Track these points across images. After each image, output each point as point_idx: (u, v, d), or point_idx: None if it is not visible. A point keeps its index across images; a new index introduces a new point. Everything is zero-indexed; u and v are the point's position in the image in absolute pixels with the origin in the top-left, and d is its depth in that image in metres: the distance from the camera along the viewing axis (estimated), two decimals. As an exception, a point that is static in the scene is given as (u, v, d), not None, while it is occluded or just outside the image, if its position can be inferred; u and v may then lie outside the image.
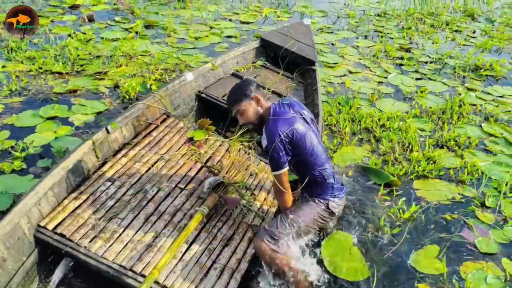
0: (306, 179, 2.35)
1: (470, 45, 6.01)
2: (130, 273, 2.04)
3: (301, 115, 2.34)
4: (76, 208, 2.29)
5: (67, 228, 2.16)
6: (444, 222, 2.82)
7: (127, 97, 4.00)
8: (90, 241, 2.13)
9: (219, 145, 3.02)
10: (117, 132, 2.75)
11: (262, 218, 2.54)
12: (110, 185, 2.46)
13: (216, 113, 3.50)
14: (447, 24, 6.69)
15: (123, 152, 2.71)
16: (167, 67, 4.70)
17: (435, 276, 2.44)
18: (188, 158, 2.81)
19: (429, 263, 2.52)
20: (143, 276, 2.03)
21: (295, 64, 4.41)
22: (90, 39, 5.17)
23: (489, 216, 2.86)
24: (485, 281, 2.43)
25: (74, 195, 2.35)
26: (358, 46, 5.75)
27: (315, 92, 3.86)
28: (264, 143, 2.23)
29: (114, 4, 6.57)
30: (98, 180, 2.47)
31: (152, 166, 2.66)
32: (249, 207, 2.57)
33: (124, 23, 5.89)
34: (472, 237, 2.71)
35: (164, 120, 3.09)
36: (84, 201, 2.33)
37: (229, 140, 3.09)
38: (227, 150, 3.00)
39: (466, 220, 2.82)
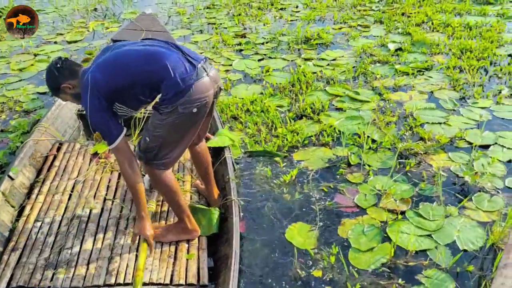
0: None
1: (296, 20, 6.42)
2: (106, 288, 2.07)
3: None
4: (19, 258, 2.25)
5: (21, 279, 2.13)
6: (322, 193, 2.95)
7: None
8: (52, 279, 2.13)
9: None
10: (20, 175, 2.71)
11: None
12: (41, 224, 2.44)
13: None
14: (272, 5, 7.06)
15: (35, 191, 2.69)
16: (-8, 108, 4.15)
17: (313, 248, 2.52)
18: (103, 172, 2.85)
19: (305, 238, 2.59)
20: (120, 285, 2.10)
21: None
22: None
23: (357, 176, 3.06)
24: (363, 233, 2.60)
25: (10, 247, 2.29)
26: (196, 42, 5.75)
27: None
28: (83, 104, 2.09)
29: None
30: (26, 226, 2.43)
31: (72, 192, 2.67)
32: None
33: None
34: (345, 200, 2.87)
35: (59, 148, 3.09)
36: (23, 249, 2.30)
37: (131, 139, 3.11)
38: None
39: (338, 186, 2.98)
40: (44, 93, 4.48)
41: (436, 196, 2.83)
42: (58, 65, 2.11)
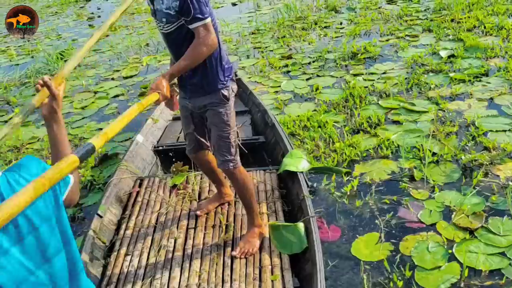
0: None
1: (341, 36, 6.41)
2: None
3: None
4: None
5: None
6: (384, 207, 2.91)
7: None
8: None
9: (201, 178, 3.22)
10: (108, 213, 2.84)
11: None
12: (131, 257, 2.55)
13: (178, 155, 3.51)
14: (316, 23, 7.11)
15: (123, 227, 2.81)
16: (60, 146, 4.41)
17: (379, 262, 2.48)
18: (183, 202, 2.98)
19: (370, 251, 2.57)
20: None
21: None
22: (-33, 144, 4.72)
23: (422, 192, 2.99)
24: (427, 251, 2.52)
25: (104, 282, 2.39)
26: (244, 67, 5.87)
27: (251, 95, 4.20)
28: None
29: (-15, 99, 6.11)
30: (117, 260, 2.53)
31: (156, 224, 2.79)
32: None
33: (2, 115, 5.49)
34: (409, 214, 2.81)
35: (141, 184, 3.23)
36: (117, 283, 2.39)
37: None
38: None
39: (402, 200, 2.93)
40: (106, 128, 4.71)
41: (508, 209, 2.70)
42: None
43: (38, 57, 7.63)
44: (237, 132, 3.75)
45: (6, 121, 5.26)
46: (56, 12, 11.70)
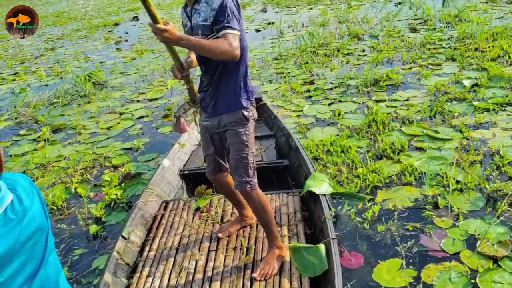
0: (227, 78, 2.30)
1: (364, 63, 6.46)
2: None
3: None
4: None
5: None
6: (406, 233, 2.88)
7: (55, 208, 3.77)
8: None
9: (224, 201, 3.25)
10: (132, 235, 2.89)
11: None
12: (153, 279, 2.58)
13: (204, 179, 3.52)
14: (338, 50, 7.18)
15: (147, 248, 2.85)
16: (85, 165, 4.53)
17: None
18: (206, 225, 3.01)
19: (392, 277, 2.54)
20: None
21: None
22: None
23: (446, 221, 2.95)
24: (450, 280, 2.47)
25: None
26: (266, 91, 5.95)
27: (276, 120, 4.27)
28: (217, 1, 2.10)
29: (16, 118, 6.30)
30: (140, 282, 2.57)
31: (179, 246, 2.82)
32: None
33: (30, 134, 5.66)
34: (432, 243, 2.77)
35: (166, 207, 3.28)
36: None
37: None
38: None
39: (424, 228, 2.90)
40: (129, 149, 4.82)
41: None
42: None
43: (66, 78, 7.89)
44: (261, 155, 3.79)
45: (34, 140, 5.42)
46: (85, 35, 12.10)
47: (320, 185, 3.04)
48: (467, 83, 5.02)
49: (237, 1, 2.15)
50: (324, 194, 2.97)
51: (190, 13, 2.24)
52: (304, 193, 3.05)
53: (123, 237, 2.79)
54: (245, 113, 2.34)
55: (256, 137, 4.10)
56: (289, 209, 3.01)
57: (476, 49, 6.05)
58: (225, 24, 2.06)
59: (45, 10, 19.75)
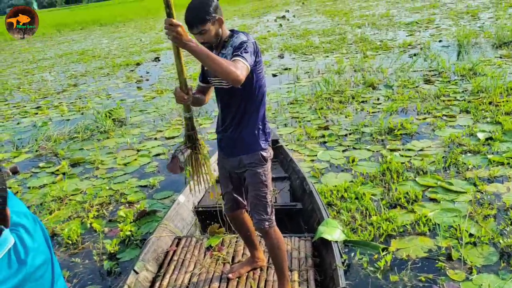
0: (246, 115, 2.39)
1: (378, 111, 6.57)
2: None
3: None
4: None
5: None
6: (419, 284, 2.87)
7: (70, 242, 3.83)
8: None
9: (236, 241, 3.29)
10: (144, 270, 2.92)
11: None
12: None
13: (217, 217, 3.58)
14: (353, 98, 7.32)
15: (157, 285, 2.88)
16: (101, 201, 4.61)
17: None
18: (216, 264, 3.04)
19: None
20: None
21: None
22: (17, 192, 4.99)
23: (459, 274, 2.93)
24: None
25: None
26: (281, 135, 6.05)
27: (291, 162, 4.34)
28: (242, 37, 2.24)
29: (36, 151, 6.48)
30: None
31: (188, 284, 2.85)
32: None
33: (49, 167, 5.79)
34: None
35: (178, 243, 3.32)
36: None
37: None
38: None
39: (438, 279, 2.88)
40: (145, 186, 4.91)
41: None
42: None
43: (87, 114, 8.13)
44: (275, 197, 3.84)
45: (52, 173, 5.55)
46: (107, 73, 12.52)
47: (332, 231, 3.06)
48: (481, 136, 5.07)
49: (257, 46, 2.28)
50: (337, 241, 2.99)
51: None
52: (316, 239, 3.06)
53: (135, 271, 2.83)
54: (264, 154, 2.43)
55: (271, 178, 4.16)
56: (300, 254, 3.03)
57: (490, 103, 6.13)
58: (239, 53, 2.15)
59: (70, 48, 20.53)
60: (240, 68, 2.07)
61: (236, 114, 2.39)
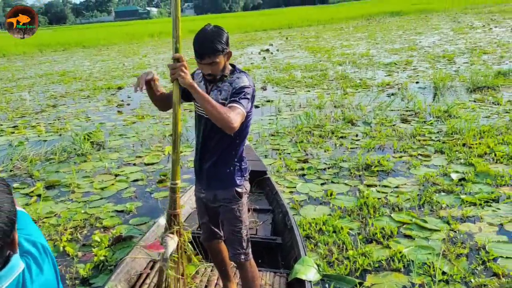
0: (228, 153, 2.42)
1: (356, 147, 6.71)
2: None
3: None
4: None
5: None
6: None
7: (38, 265, 3.71)
8: None
9: (211, 270, 3.27)
10: None
11: None
12: None
13: (196, 244, 3.48)
14: (333, 133, 7.47)
15: None
16: (76, 224, 4.52)
17: None
18: None
19: None
20: None
21: (250, 180, 4.67)
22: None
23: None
24: None
25: None
26: (261, 166, 6.09)
27: (276, 195, 4.34)
28: (244, 81, 2.23)
29: (11, 170, 6.34)
30: None
31: None
32: None
33: (24, 188, 5.67)
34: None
35: (153, 267, 3.26)
36: None
37: None
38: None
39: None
40: (122, 211, 4.84)
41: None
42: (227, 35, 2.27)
43: (65, 136, 8.03)
44: (256, 228, 3.84)
45: (27, 194, 5.43)
46: (88, 96, 12.45)
47: (308, 270, 3.05)
48: (455, 176, 5.22)
49: (254, 91, 2.32)
50: (310, 281, 2.99)
51: (209, 86, 2.35)
52: (292, 278, 3.05)
53: None
54: (239, 190, 2.45)
55: (255, 210, 4.17)
56: None
57: (464, 145, 6.34)
58: (237, 99, 2.19)
59: (51, 68, 20.39)
60: (235, 116, 2.12)
61: (215, 150, 2.37)
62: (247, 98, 2.23)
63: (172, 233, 2.43)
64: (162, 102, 2.46)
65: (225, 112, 2.09)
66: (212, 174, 2.42)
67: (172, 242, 2.39)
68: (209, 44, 2.13)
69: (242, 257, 2.49)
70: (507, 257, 3.54)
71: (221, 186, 2.44)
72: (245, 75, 2.31)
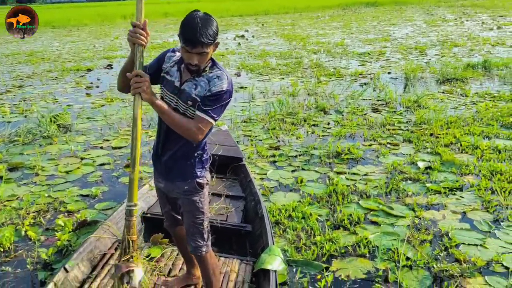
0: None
1: (328, 135, 6.74)
2: None
3: None
4: None
5: None
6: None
7: (1, 250, 3.60)
8: None
9: (177, 255, 3.22)
10: (75, 269, 2.80)
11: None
12: None
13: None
14: (305, 120, 7.48)
15: (85, 286, 2.77)
16: (39, 208, 4.39)
17: None
18: (151, 274, 2.95)
19: None
20: None
21: (225, 165, 4.68)
22: None
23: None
24: None
25: None
26: (232, 152, 6.04)
27: (250, 183, 4.31)
28: (224, 83, 2.13)
29: (-30, 151, 6.09)
30: None
31: None
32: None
33: (-16, 170, 5.45)
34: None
35: (117, 247, 3.16)
36: None
37: None
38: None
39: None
40: (87, 196, 4.73)
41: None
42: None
43: (31, 118, 7.77)
44: (227, 215, 3.80)
45: (-13, 176, 5.23)
46: (56, 77, 12.07)
47: (273, 260, 3.01)
48: (421, 165, 5.31)
49: (231, 94, 2.21)
50: (275, 271, 2.97)
51: (183, 74, 2.22)
52: (257, 268, 3.03)
53: (65, 269, 2.70)
54: (200, 181, 2.38)
55: (227, 196, 4.13)
56: (239, 277, 3.00)
57: (431, 134, 6.46)
58: (208, 110, 2.12)
59: (18, 48, 19.68)
60: (202, 128, 2.13)
61: (177, 141, 2.28)
62: (221, 106, 2.16)
63: (128, 259, 2.26)
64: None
65: (189, 126, 2.10)
66: (172, 164, 2.33)
67: (138, 272, 2.25)
68: (204, 33, 2.00)
69: (204, 249, 2.44)
70: (468, 244, 3.64)
71: (182, 178, 2.34)
72: (226, 75, 2.19)
